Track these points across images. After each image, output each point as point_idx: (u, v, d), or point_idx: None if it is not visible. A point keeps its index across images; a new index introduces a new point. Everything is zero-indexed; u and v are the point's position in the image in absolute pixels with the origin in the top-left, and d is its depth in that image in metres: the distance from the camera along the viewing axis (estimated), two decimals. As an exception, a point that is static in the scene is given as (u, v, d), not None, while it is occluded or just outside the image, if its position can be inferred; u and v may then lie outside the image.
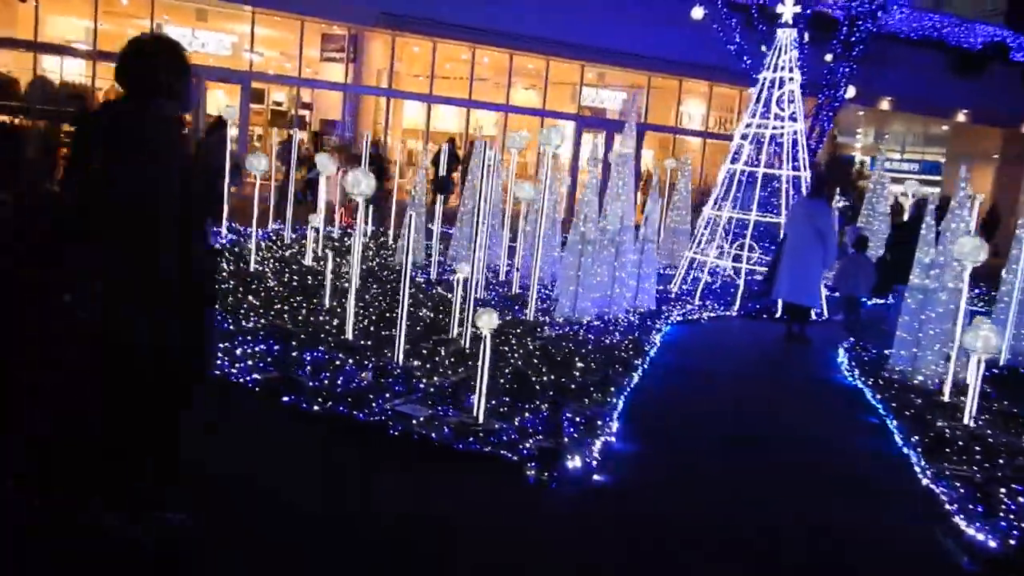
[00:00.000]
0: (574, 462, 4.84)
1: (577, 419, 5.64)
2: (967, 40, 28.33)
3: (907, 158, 37.97)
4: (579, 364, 7.21)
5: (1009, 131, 31.81)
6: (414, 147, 23.74)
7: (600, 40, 22.48)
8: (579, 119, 24.16)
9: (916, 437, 5.96)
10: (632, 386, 6.77)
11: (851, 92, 17.66)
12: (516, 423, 5.51)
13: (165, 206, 2.79)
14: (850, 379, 8.12)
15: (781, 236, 10.56)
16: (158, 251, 2.83)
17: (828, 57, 17.54)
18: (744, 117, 12.26)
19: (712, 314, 10.93)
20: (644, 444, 5.63)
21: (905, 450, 5.86)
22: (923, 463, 5.48)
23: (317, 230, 11.31)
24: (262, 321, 7.55)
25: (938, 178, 33.94)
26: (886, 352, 8.99)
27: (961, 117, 29.69)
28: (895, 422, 6.47)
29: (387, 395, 5.85)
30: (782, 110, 11.76)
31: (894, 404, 6.91)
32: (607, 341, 8.37)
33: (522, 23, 21.54)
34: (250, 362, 6.27)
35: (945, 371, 7.89)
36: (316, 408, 5.47)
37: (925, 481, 5.24)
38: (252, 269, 9.95)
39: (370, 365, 6.48)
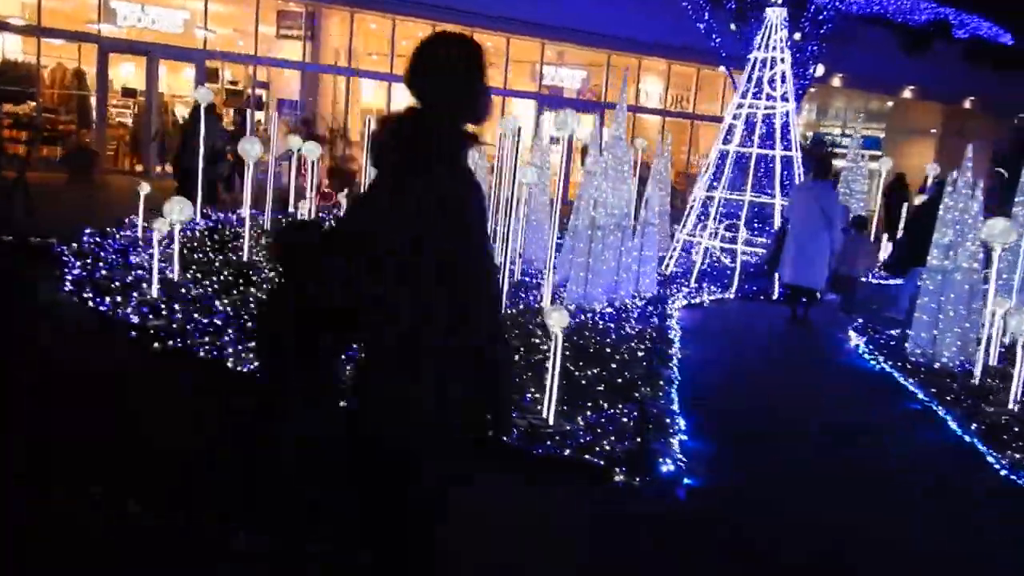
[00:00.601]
0: (666, 465, 4.66)
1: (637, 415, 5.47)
2: (912, 18, 28.89)
3: (848, 134, 38.72)
4: (615, 356, 7.04)
5: (950, 107, 32.68)
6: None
7: (561, 18, 22.24)
8: (540, 98, 23.88)
9: (974, 425, 5.95)
10: (677, 379, 6.61)
11: (820, 71, 17.78)
12: (581, 422, 5.31)
13: (476, 242, 2.38)
14: (874, 363, 8.12)
15: (783, 218, 10.54)
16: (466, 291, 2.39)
17: (796, 36, 17.60)
18: (735, 97, 12.18)
19: (713, 297, 10.88)
20: (719, 443, 5.46)
21: (967, 438, 5.85)
22: (995, 454, 5.46)
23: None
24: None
25: (879, 153, 34.72)
26: (895, 333, 9.08)
27: (907, 93, 30.35)
28: (941, 409, 6.47)
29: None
30: (774, 90, 11.71)
31: (933, 390, 6.93)
32: (627, 329, 8.22)
33: (483, 0, 21.18)
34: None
35: (964, 353, 8.00)
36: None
37: (1003, 472, 5.23)
38: (247, 259, 9.50)
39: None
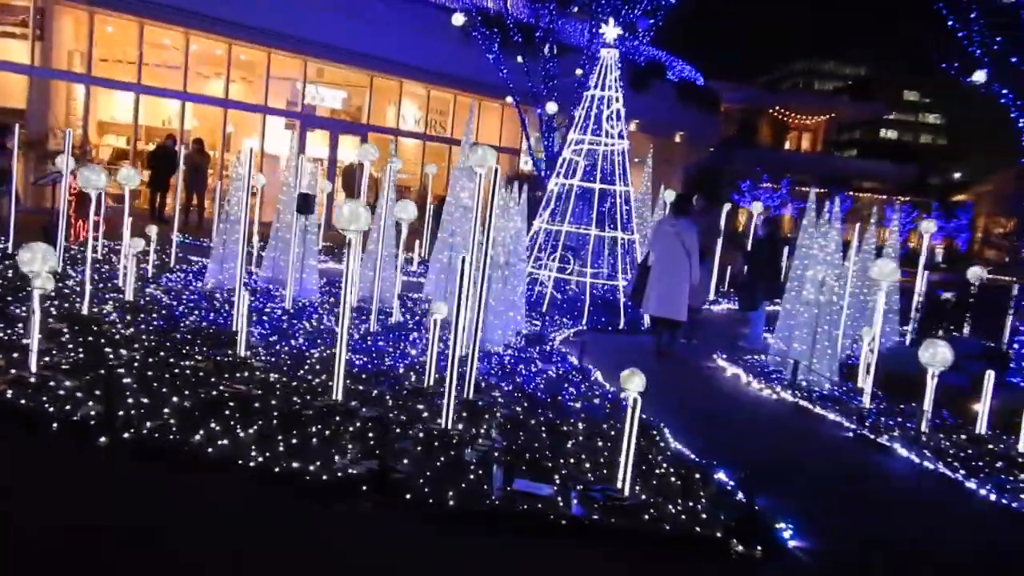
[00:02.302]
0: (785, 530, 4.54)
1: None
2: (635, 58, 31.62)
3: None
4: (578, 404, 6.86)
5: (661, 140, 36.22)
6: (113, 143, 20.54)
7: (323, 35, 21.39)
8: (302, 117, 22.70)
9: (925, 451, 6.56)
10: (663, 428, 6.53)
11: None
12: (644, 489, 5.03)
13: None
14: (771, 394, 8.62)
15: (645, 252, 10.90)
16: None
17: (578, 72, 18.45)
18: (572, 133, 12.43)
19: (574, 330, 10.98)
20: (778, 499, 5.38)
21: (928, 464, 6.40)
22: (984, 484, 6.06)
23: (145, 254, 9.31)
24: (201, 384, 6.02)
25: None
26: (763, 357, 9.81)
27: (633, 127, 33.02)
28: (877, 436, 7.03)
29: (479, 471, 5.00)
30: (612, 127, 12.13)
31: (854, 417, 7.53)
32: (555, 371, 8.07)
33: (242, 10, 19.72)
34: (281, 448, 4.95)
35: (833, 380, 8.86)
36: (451, 503, 4.48)
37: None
38: (87, 312, 7.89)
39: (419, 433, 5.50)
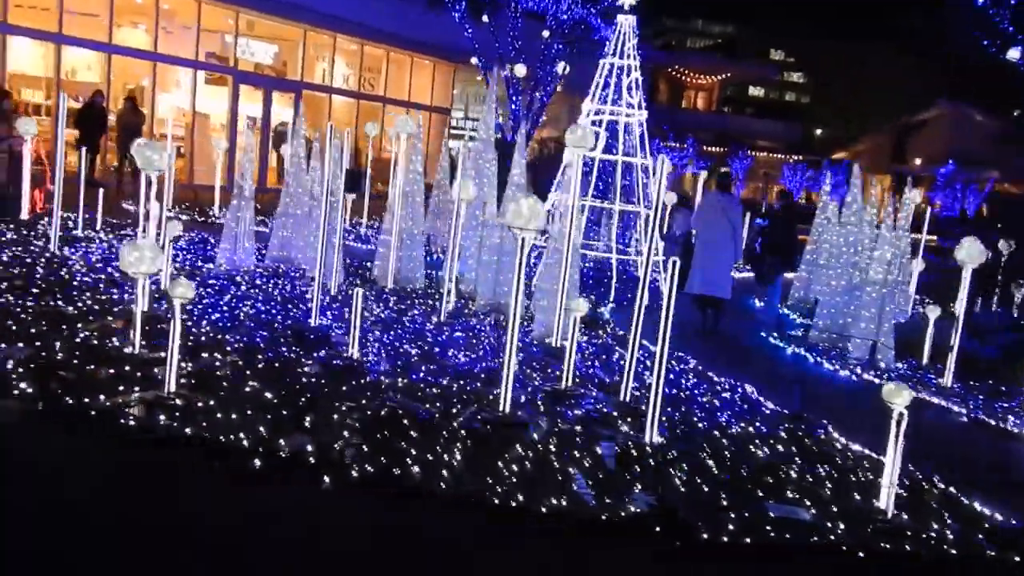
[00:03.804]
0: None
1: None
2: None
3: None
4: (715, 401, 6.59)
5: (581, 99, 36.05)
6: (31, 99, 18.44)
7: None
8: (236, 73, 21.09)
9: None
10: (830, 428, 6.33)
11: (564, 69, 18.29)
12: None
13: None
14: (849, 375, 8.57)
15: (691, 230, 10.62)
16: None
17: (545, 33, 17.85)
18: (588, 103, 11.95)
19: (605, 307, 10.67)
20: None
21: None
22: None
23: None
24: (338, 395, 5.35)
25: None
26: (812, 335, 9.82)
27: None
28: (1018, 427, 7.06)
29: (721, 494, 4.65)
30: (632, 97, 11.74)
31: (955, 399, 7.60)
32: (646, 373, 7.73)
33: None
34: (513, 479, 4.43)
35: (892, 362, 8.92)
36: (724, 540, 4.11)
37: None
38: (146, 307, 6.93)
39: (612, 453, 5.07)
